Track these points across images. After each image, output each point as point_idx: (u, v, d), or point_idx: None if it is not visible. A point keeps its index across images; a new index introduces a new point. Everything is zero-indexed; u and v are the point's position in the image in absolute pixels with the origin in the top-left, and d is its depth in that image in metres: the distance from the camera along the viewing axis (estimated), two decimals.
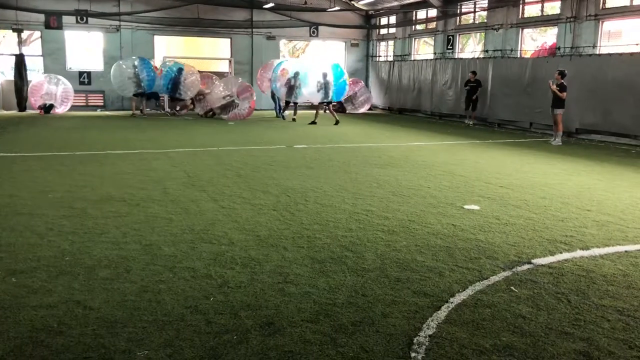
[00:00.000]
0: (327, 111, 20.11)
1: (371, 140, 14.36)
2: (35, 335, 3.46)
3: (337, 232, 5.86)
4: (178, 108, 21.51)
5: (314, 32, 25.29)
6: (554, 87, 13.99)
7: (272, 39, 25.02)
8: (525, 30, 19.04)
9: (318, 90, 18.78)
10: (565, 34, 16.72)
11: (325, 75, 18.68)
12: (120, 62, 20.34)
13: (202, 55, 25.43)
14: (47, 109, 20.66)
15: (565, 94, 14.01)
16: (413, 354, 3.33)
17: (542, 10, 18.34)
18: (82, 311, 3.82)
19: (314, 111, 19.52)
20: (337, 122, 18.36)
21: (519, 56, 18.44)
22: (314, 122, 18.38)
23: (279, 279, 4.49)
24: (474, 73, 18.55)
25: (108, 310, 3.84)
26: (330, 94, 18.96)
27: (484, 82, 18.52)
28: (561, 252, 5.33)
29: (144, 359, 3.21)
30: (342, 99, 21.70)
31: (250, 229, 5.92)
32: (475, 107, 18.67)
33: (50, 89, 20.99)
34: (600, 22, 16.01)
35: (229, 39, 24.66)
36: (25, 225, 5.87)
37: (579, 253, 5.32)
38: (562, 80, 14.02)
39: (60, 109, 21.10)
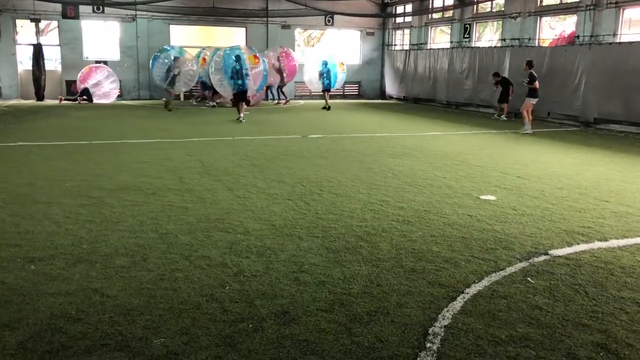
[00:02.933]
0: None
1: (386, 129, 14.29)
2: (53, 322, 3.51)
3: (352, 222, 5.86)
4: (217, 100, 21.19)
5: (329, 20, 25.16)
6: (529, 85, 13.86)
7: (287, 28, 24.93)
8: (544, 19, 18.77)
9: (320, 78, 20.26)
10: (584, 22, 16.45)
11: (325, 64, 20.01)
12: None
13: (217, 44, 25.42)
14: (83, 92, 20.86)
15: (537, 83, 13.82)
16: (428, 344, 3.32)
17: None
18: (99, 299, 3.86)
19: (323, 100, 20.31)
20: (328, 108, 19.52)
21: (536, 45, 18.19)
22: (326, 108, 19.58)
23: (294, 268, 4.50)
24: (497, 74, 17.73)
25: (125, 298, 3.88)
26: (332, 81, 20.47)
27: (500, 71, 18.27)
28: (579, 244, 5.27)
29: (160, 347, 3.24)
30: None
31: (266, 218, 5.93)
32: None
33: (101, 81, 21.26)
34: (621, 9, 15.73)
35: (244, 28, 24.62)
36: (43, 214, 5.94)
37: (596, 244, 5.27)
38: (531, 70, 13.83)
39: (99, 100, 21.25)
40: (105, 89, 21.36)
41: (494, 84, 17.72)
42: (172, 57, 19.45)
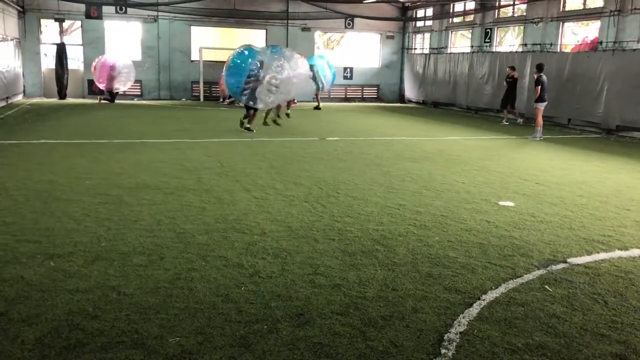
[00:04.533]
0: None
1: (404, 133, 14.24)
2: (71, 318, 3.55)
3: (369, 225, 5.84)
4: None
5: (349, 23, 25.17)
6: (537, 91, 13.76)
7: (307, 31, 25.00)
8: (566, 24, 18.57)
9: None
10: (608, 28, 16.23)
11: (312, 67, 19.39)
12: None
13: (237, 46, 25.55)
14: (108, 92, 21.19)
15: (539, 88, 13.68)
16: (443, 350, 3.30)
17: (584, 3, 17.85)
18: (116, 296, 3.90)
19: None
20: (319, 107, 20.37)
21: (558, 50, 18.00)
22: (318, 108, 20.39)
23: (310, 271, 4.50)
24: (513, 68, 17.79)
25: (142, 296, 3.91)
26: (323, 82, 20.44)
27: (521, 77, 18.11)
28: (598, 252, 5.20)
29: (175, 345, 3.26)
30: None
31: (282, 219, 5.94)
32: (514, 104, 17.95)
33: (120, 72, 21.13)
34: None
35: (265, 30, 24.74)
36: (63, 211, 6.02)
37: (617, 253, 5.19)
38: (540, 74, 13.70)
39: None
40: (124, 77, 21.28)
41: (508, 79, 17.54)
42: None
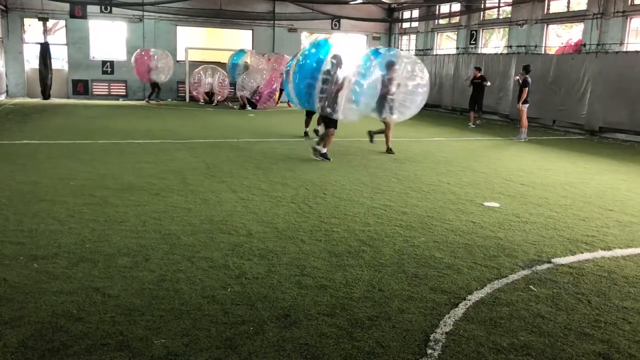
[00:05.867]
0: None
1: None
2: (55, 320, 3.51)
3: (355, 226, 5.85)
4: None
5: (335, 24, 25.21)
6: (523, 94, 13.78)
7: (293, 31, 24.99)
8: (551, 26, 18.75)
9: None
10: (591, 31, 16.44)
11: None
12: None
13: (223, 46, 25.50)
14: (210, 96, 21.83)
15: (526, 89, 13.71)
16: (429, 351, 3.31)
17: (568, 6, 18.04)
18: (101, 298, 3.86)
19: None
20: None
21: (543, 52, 18.17)
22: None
23: (296, 272, 4.49)
24: (479, 69, 17.43)
25: (127, 298, 3.88)
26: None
27: (505, 78, 18.25)
28: (582, 252, 5.25)
29: (161, 347, 3.24)
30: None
31: (269, 220, 5.93)
32: (481, 106, 17.57)
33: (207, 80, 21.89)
34: (628, 18, 15.71)
35: (251, 31, 24.69)
36: (47, 212, 5.95)
37: (600, 253, 5.24)
38: (526, 76, 13.77)
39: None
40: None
41: (477, 78, 17.07)
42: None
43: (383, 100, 10.39)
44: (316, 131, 12.49)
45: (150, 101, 21.78)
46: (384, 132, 11.11)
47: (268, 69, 20.87)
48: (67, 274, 4.27)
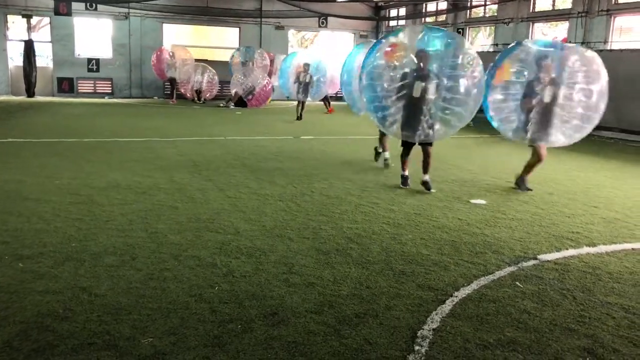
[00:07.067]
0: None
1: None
2: (40, 320, 3.48)
3: (343, 223, 5.86)
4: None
5: (322, 22, 25.19)
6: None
7: (280, 29, 24.95)
8: (536, 25, 18.89)
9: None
10: (576, 29, 16.58)
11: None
12: None
13: (210, 44, 25.38)
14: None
15: None
16: (417, 347, 3.33)
17: (553, 5, 18.19)
18: (87, 297, 3.84)
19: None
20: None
21: None
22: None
23: (284, 270, 4.49)
24: None
25: (113, 297, 3.86)
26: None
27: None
28: (567, 249, 5.30)
29: (148, 346, 3.23)
30: None
31: (256, 219, 5.92)
32: None
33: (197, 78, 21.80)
34: (612, 17, 15.87)
35: (238, 28, 24.61)
36: (32, 211, 5.90)
37: (585, 249, 5.30)
38: None
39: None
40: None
41: None
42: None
43: (548, 115, 7.53)
44: (383, 158, 9.44)
45: (174, 100, 21.40)
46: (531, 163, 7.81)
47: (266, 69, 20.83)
48: (53, 273, 4.23)
